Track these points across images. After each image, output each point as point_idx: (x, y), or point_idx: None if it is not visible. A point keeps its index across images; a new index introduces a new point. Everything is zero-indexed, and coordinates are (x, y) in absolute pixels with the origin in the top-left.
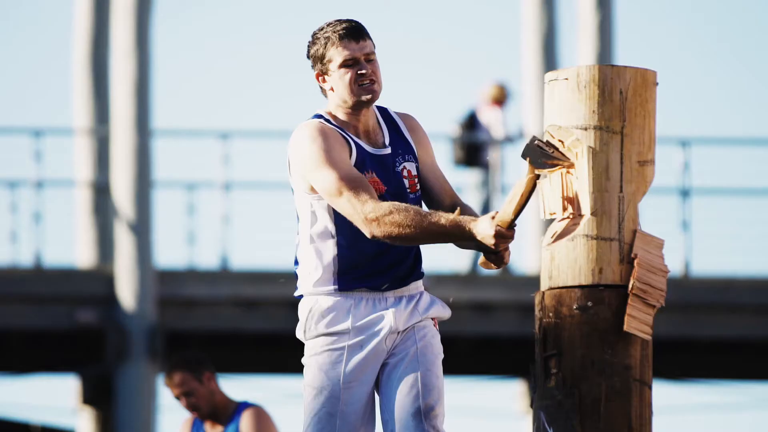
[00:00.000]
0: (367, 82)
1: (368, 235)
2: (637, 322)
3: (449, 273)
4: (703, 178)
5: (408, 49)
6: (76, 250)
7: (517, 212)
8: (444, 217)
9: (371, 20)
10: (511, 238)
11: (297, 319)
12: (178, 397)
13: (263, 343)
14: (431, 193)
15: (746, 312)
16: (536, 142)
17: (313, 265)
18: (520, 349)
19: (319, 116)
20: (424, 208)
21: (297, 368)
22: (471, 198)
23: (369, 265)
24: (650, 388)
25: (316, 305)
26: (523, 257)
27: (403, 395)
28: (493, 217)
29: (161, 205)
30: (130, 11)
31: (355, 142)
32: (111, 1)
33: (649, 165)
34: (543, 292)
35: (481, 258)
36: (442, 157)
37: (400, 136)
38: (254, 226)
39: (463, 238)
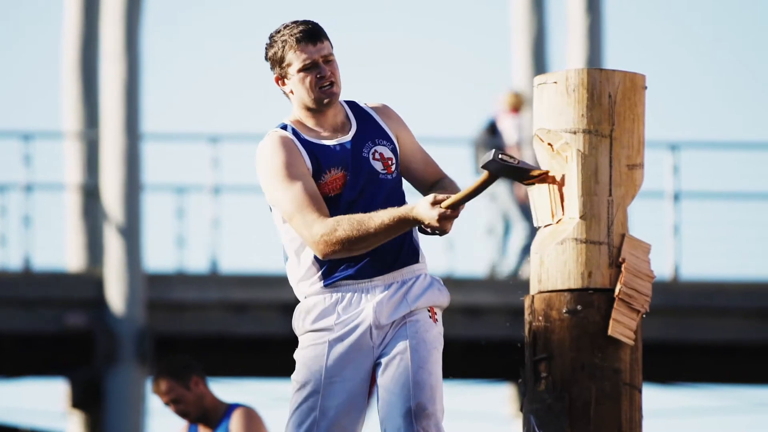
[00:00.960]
0: (327, 84)
1: (320, 257)
2: (622, 326)
3: (438, 276)
4: (692, 181)
5: (398, 51)
6: (65, 254)
7: (463, 198)
8: (386, 215)
9: (361, 21)
10: (455, 216)
11: (286, 324)
12: (166, 404)
13: (252, 346)
14: (415, 173)
15: (736, 316)
16: (499, 156)
17: (297, 265)
18: (510, 353)
19: (284, 126)
20: (403, 189)
21: (286, 372)
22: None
23: (351, 260)
24: (640, 391)
25: (305, 302)
26: (513, 261)
27: (395, 396)
28: (434, 202)
29: (150, 208)
30: (119, 14)
31: (311, 148)
32: (100, 4)
33: (638, 169)
34: (533, 296)
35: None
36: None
37: (372, 124)
38: (243, 229)
39: (410, 225)
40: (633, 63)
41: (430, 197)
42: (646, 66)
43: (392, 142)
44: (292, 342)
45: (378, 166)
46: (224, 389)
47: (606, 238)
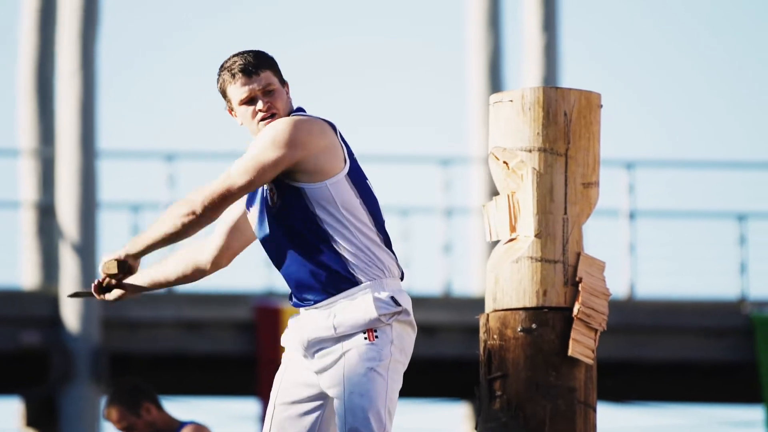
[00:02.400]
0: (268, 116)
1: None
2: (581, 346)
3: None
4: (648, 200)
5: (352, 67)
6: (20, 272)
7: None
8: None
9: (313, 39)
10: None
11: (241, 342)
12: (119, 431)
13: (207, 365)
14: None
15: (691, 335)
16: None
17: None
18: (465, 371)
19: None
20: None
21: (241, 390)
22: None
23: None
24: (595, 410)
25: None
26: (467, 279)
27: (336, 426)
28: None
29: (106, 226)
30: (75, 32)
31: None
32: (56, 21)
33: (593, 187)
34: (488, 314)
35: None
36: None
37: None
38: None
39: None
40: (589, 82)
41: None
42: (602, 85)
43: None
44: (247, 360)
45: (268, 199)
46: (179, 407)
47: (561, 257)
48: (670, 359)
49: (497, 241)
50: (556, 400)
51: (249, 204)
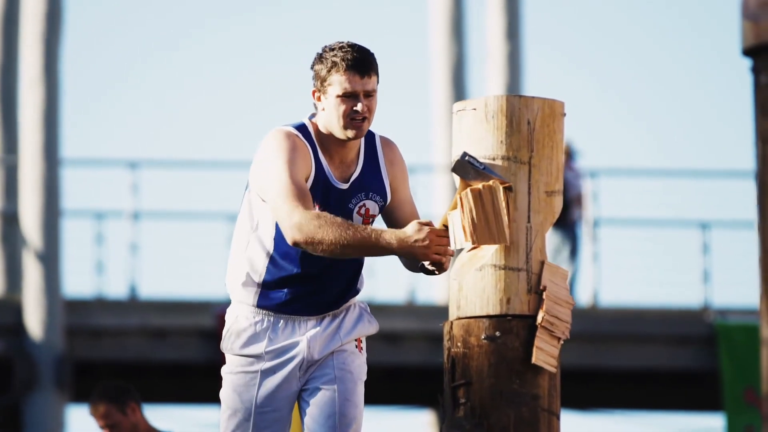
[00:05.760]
0: (359, 119)
1: (290, 241)
2: (545, 354)
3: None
4: (611, 208)
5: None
6: None
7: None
8: (371, 228)
9: (275, 52)
10: (446, 237)
11: (205, 350)
12: (102, 428)
13: (172, 373)
14: (395, 221)
15: (654, 342)
16: (467, 158)
17: (241, 273)
18: (429, 379)
19: (303, 125)
20: None
21: (207, 398)
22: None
23: (293, 289)
24: (558, 418)
25: (235, 324)
26: (431, 287)
27: (319, 425)
28: (422, 223)
29: (70, 234)
30: (38, 40)
31: (320, 166)
32: (19, 29)
33: (556, 195)
34: (451, 322)
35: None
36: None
37: (374, 173)
38: (163, 255)
39: (389, 252)
40: (552, 91)
41: (415, 221)
42: (565, 94)
43: (385, 198)
44: (212, 368)
45: (358, 220)
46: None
47: (525, 265)
48: (633, 367)
49: (461, 249)
50: (520, 407)
51: (314, 194)
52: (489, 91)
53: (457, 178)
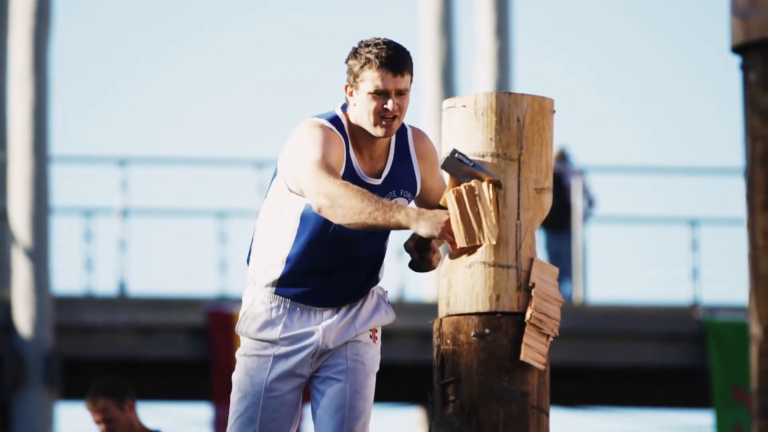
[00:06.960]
0: (390, 117)
1: (315, 208)
2: (533, 351)
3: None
4: (600, 205)
5: (303, 76)
6: None
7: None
8: (394, 210)
9: (263, 53)
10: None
11: (194, 347)
12: (97, 422)
13: (161, 370)
14: (424, 202)
15: (643, 340)
16: (457, 155)
17: (264, 260)
18: (418, 376)
19: (336, 117)
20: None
21: (195, 395)
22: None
23: (313, 281)
24: (548, 415)
25: (252, 307)
26: (420, 284)
27: (328, 416)
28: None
29: (59, 231)
30: (27, 36)
31: (350, 160)
32: (8, 24)
33: (546, 192)
34: (441, 319)
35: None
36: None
37: (405, 168)
38: (152, 252)
39: (406, 227)
40: (541, 88)
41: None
42: (554, 90)
43: (414, 192)
44: (201, 365)
45: None
46: None
47: (514, 262)
48: (622, 364)
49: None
50: (509, 404)
51: None
52: (478, 88)
53: (446, 175)
